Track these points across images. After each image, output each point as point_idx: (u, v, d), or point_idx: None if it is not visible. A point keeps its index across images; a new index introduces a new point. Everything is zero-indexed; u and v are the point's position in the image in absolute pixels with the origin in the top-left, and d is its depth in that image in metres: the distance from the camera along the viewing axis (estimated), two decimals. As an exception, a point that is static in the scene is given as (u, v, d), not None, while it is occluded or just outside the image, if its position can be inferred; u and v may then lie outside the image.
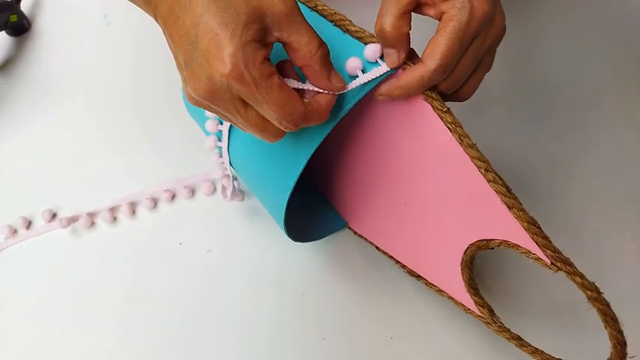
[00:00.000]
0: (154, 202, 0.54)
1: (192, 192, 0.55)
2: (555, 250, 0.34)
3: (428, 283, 0.46)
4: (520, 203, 0.34)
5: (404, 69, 0.35)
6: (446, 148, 0.36)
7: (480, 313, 0.42)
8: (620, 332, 0.33)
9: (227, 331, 0.49)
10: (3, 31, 0.61)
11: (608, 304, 0.33)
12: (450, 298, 0.44)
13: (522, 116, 0.56)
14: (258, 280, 0.51)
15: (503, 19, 0.35)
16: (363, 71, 0.36)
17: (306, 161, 0.37)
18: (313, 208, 0.53)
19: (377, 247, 0.50)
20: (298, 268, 0.51)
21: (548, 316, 0.46)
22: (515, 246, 0.36)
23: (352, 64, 0.36)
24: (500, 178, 0.34)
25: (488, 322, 0.42)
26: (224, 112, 0.33)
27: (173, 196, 0.55)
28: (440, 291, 0.45)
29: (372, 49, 0.36)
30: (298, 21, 0.31)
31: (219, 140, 0.46)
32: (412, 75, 0.35)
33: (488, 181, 0.35)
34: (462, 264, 0.41)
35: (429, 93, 0.36)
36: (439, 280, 0.45)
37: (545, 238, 0.34)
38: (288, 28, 0.31)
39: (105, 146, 0.57)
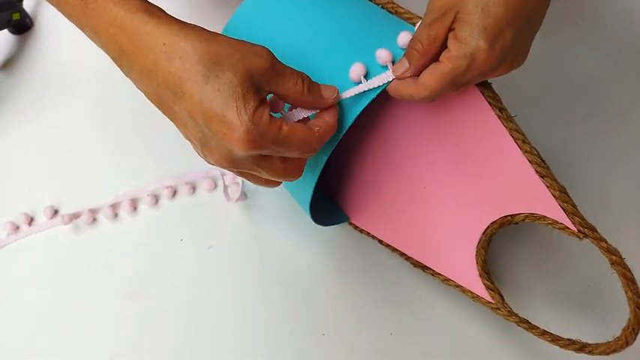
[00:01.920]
0: (155, 199, 0.54)
1: (194, 188, 0.55)
2: (583, 218, 0.37)
3: (435, 273, 0.47)
4: (552, 173, 0.37)
5: None
6: (483, 122, 0.39)
7: (490, 299, 0.43)
8: (640, 296, 0.36)
9: (227, 326, 0.49)
10: (5, 30, 0.61)
11: (629, 269, 0.36)
12: (457, 286, 0.45)
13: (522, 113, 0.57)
14: (259, 276, 0.51)
15: (510, 68, 0.35)
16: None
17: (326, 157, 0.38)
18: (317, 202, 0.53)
19: (380, 241, 0.50)
20: (299, 264, 0.51)
21: (553, 304, 0.48)
22: (542, 217, 0.38)
23: (383, 56, 0.38)
24: (535, 149, 0.38)
25: (497, 308, 0.43)
26: (246, 171, 0.35)
27: (174, 193, 0.55)
28: (446, 280, 0.46)
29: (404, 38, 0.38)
30: (280, 70, 0.33)
31: None
32: (406, 90, 0.36)
33: (525, 152, 0.38)
34: (478, 245, 0.43)
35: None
36: (448, 268, 0.46)
37: (574, 205, 0.37)
38: (275, 80, 0.32)
39: (107, 143, 0.57)
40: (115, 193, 0.54)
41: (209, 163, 0.35)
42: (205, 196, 0.54)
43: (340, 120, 0.37)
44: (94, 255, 0.52)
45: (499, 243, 0.47)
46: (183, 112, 0.32)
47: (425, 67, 0.36)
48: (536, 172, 0.38)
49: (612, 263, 0.36)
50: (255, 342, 0.48)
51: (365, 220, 0.51)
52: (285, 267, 0.51)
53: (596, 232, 0.37)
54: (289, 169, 0.35)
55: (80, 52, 0.61)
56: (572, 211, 0.37)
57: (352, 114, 0.37)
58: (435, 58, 0.35)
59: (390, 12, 0.42)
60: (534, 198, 0.38)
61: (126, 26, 0.32)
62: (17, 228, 0.54)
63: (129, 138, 0.56)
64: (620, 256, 0.36)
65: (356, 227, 0.52)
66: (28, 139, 0.57)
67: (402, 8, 0.41)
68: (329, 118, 0.35)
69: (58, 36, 0.62)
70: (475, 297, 0.44)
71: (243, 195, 0.53)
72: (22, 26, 0.62)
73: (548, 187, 0.37)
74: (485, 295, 0.43)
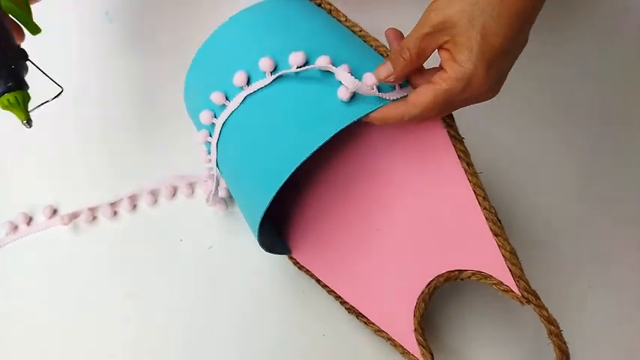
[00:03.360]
0: (155, 198, 0.54)
1: (193, 189, 0.55)
2: (528, 283, 0.37)
3: (368, 322, 0.45)
4: (505, 233, 0.38)
5: None
6: (450, 173, 0.40)
7: (419, 356, 0.42)
8: (571, 371, 0.36)
9: (227, 327, 0.50)
10: None
11: (565, 342, 0.36)
12: (389, 339, 0.44)
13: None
14: (259, 276, 0.51)
15: (490, 97, 0.36)
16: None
17: (287, 176, 0.37)
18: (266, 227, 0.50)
19: (318, 281, 0.48)
20: (298, 264, 0.51)
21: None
22: (489, 277, 0.38)
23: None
24: (493, 207, 0.39)
25: (425, 367, 0.42)
26: None
27: (174, 192, 0.55)
28: (379, 331, 0.44)
29: None
30: None
31: (210, 135, 0.44)
32: (395, 110, 0.37)
33: (483, 208, 0.38)
34: (420, 297, 0.42)
35: (448, 121, 0.40)
36: (383, 318, 0.44)
37: (522, 270, 0.37)
38: None
39: (106, 142, 0.57)
40: (114, 193, 0.53)
41: None
42: (204, 196, 0.53)
43: (302, 143, 0.37)
44: (93, 255, 0.52)
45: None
46: None
47: (405, 76, 0.37)
48: (491, 229, 0.38)
49: (550, 333, 0.36)
50: (256, 342, 0.49)
51: (306, 256, 0.50)
52: (285, 267, 0.51)
53: (539, 299, 0.37)
54: None
55: (79, 51, 0.62)
56: (519, 274, 0.37)
57: (322, 136, 0.37)
58: (416, 71, 0.36)
59: (382, 55, 0.43)
60: (484, 256, 0.39)
61: None
62: (16, 228, 0.54)
63: (128, 137, 0.56)
64: (558, 327, 0.36)
65: (296, 262, 0.50)
66: (27, 137, 0.56)
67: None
68: None
69: (55, 33, 0.60)
70: (405, 352, 0.43)
71: (221, 200, 0.52)
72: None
73: (499, 246, 0.38)
74: (416, 351, 0.42)
